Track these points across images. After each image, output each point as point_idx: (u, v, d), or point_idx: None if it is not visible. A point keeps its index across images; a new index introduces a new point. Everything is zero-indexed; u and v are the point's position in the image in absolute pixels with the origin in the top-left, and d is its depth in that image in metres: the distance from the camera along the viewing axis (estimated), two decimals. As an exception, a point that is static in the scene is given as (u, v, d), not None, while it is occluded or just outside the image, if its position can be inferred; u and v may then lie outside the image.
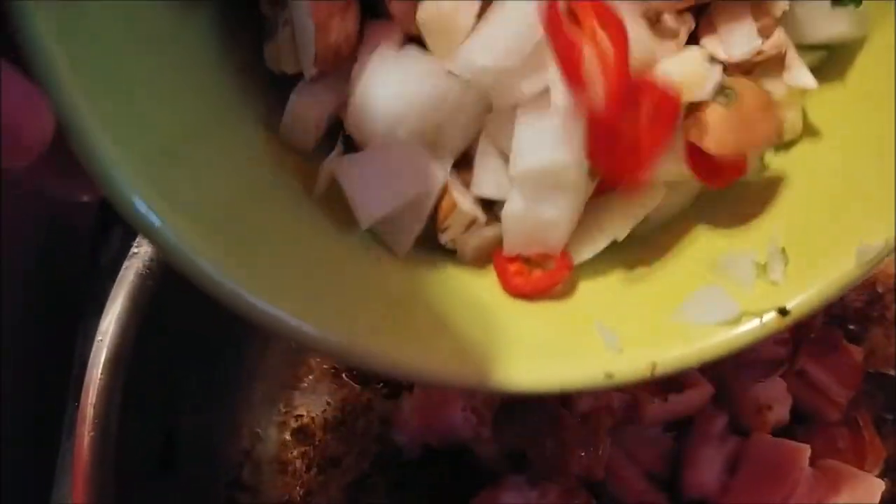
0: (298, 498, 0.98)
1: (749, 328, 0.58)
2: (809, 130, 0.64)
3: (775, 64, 0.61)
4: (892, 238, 0.56)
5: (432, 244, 0.66)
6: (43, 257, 1.22)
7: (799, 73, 0.62)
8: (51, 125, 0.40)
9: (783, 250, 0.60)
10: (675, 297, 0.61)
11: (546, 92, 0.58)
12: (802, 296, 0.58)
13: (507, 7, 0.58)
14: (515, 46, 0.57)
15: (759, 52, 0.60)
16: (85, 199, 0.52)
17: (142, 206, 0.50)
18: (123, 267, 0.91)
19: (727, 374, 0.93)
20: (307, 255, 0.61)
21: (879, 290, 1.07)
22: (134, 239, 0.91)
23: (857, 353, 0.98)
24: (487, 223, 0.65)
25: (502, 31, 0.58)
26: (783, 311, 0.58)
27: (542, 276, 0.63)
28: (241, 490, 0.98)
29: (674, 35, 0.60)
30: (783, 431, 0.93)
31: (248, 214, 0.58)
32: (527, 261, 0.64)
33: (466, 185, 0.65)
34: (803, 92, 0.63)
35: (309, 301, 0.56)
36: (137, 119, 0.52)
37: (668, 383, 0.89)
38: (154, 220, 0.50)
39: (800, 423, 0.95)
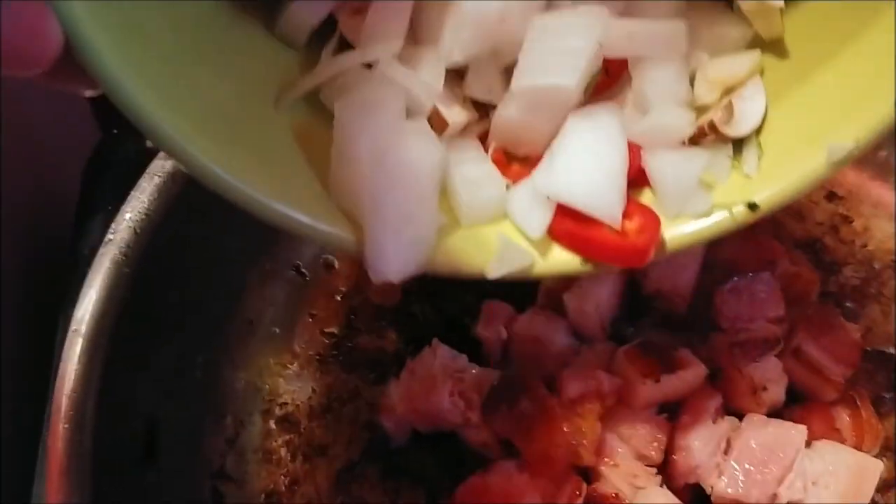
0: (284, 487, 0.96)
1: (718, 220, 0.62)
2: (791, 34, 0.64)
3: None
4: (863, 140, 0.57)
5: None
6: (24, 247, 1.20)
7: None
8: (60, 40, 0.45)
9: (759, 144, 0.62)
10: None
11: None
12: (772, 190, 0.61)
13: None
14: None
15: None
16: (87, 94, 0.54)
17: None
18: (98, 254, 0.89)
19: (721, 354, 0.91)
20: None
21: (876, 266, 1.05)
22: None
23: (854, 330, 0.96)
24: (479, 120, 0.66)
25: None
26: (752, 206, 0.61)
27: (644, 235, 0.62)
28: (225, 480, 0.96)
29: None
30: (779, 412, 0.91)
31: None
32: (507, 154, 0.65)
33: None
34: None
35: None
36: None
37: (661, 365, 0.86)
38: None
39: (796, 404, 0.92)
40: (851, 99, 0.59)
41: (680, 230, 0.63)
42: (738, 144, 0.64)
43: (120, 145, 1.26)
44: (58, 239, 1.23)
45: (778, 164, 0.61)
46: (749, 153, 0.62)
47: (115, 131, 1.28)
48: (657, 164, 0.63)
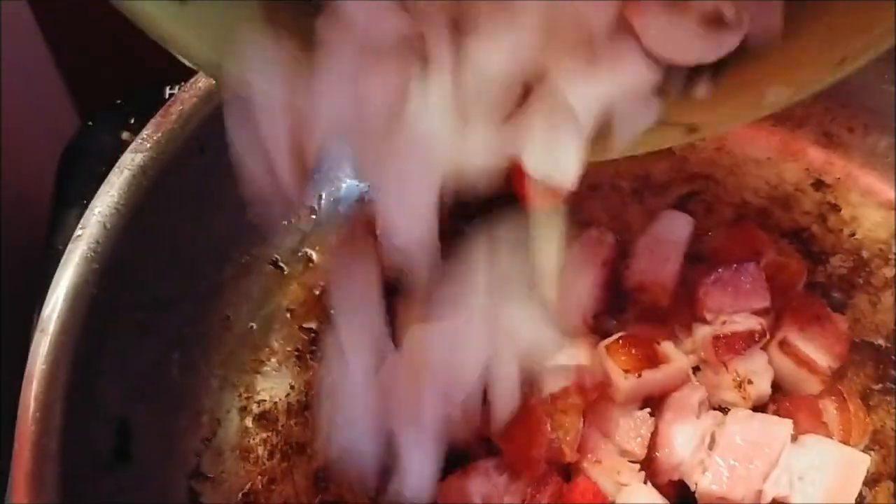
0: (262, 486, 0.94)
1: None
2: None
3: None
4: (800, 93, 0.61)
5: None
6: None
7: None
8: None
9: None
10: None
11: None
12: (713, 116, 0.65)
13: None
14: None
15: None
16: None
17: None
18: (67, 251, 0.86)
19: (705, 347, 0.89)
20: None
21: (865, 255, 1.04)
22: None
23: (841, 321, 0.94)
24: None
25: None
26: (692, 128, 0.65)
27: None
28: (201, 480, 0.94)
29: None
30: (765, 406, 0.90)
31: None
32: None
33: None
34: None
35: None
36: None
37: (643, 359, 0.85)
38: None
39: (782, 396, 0.91)
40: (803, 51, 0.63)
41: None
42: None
43: (95, 137, 1.24)
44: (33, 234, 1.21)
45: (725, 97, 0.65)
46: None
47: (90, 123, 1.26)
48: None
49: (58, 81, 1.34)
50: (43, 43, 1.31)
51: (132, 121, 1.22)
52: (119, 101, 1.26)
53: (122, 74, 1.25)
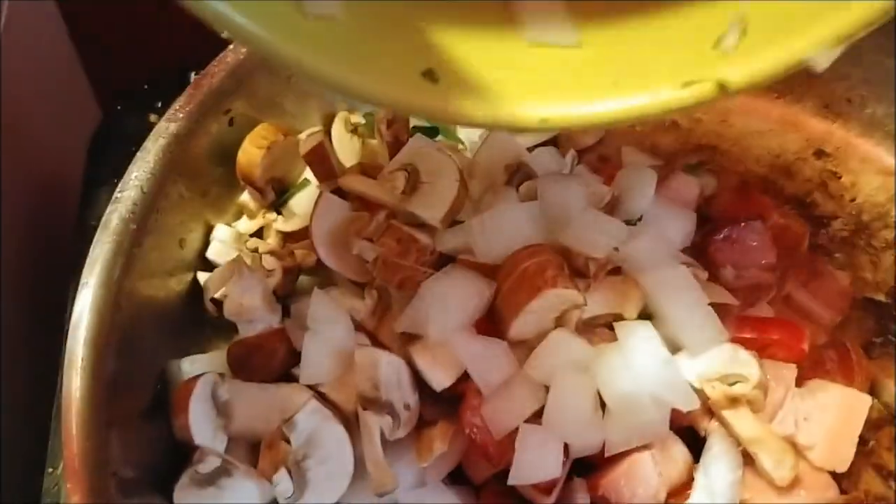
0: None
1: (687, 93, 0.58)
2: None
3: None
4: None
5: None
6: (32, 220, 1.23)
7: None
8: None
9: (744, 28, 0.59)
10: None
11: None
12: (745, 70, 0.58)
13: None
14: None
15: None
16: None
17: None
18: (107, 212, 0.91)
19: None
20: None
21: (865, 218, 1.08)
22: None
23: (843, 278, 0.99)
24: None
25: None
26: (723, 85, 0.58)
27: None
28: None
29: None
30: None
31: None
32: None
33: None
34: None
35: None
36: None
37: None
38: None
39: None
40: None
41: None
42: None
43: (123, 121, 1.29)
44: (62, 216, 1.25)
45: (758, 49, 0.59)
46: (732, 33, 0.59)
47: (119, 107, 1.30)
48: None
49: (80, 71, 1.38)
50: (65, 33, 1.35)
51: (159, 104, 1.27)
52: (146, 87, 1.30)
53: (144, 62, 1.29)
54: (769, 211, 1.02)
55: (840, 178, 1.11)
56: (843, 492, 0.86)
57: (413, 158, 0.94)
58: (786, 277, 0.97)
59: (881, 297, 1.01)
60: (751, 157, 1.13)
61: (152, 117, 1.26)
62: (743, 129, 1.16)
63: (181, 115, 0.97)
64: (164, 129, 0.96)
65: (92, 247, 0.89)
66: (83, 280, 0.86)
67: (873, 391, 0.93)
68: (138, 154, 0.94)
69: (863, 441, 0.88)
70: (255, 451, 0.92)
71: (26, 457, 1.01)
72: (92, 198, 1.22)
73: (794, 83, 1.15)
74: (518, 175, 0.95)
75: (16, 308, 1.14)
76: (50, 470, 0.98)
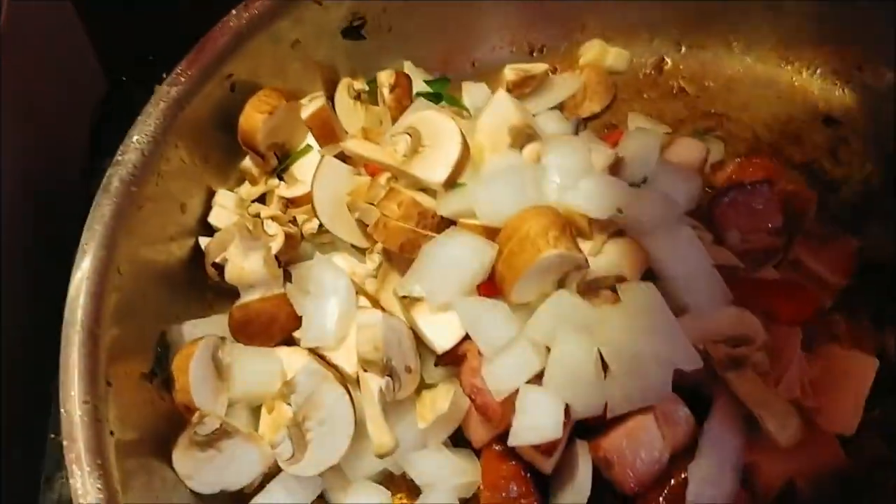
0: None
1: None
2: None
3: None
4: None
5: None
6: (37, 191, 1.23)
7: None
8: None
9: None
10: None
11: None
12: None
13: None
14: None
15: None
16: None
17: None
18: (107, 175, 0.91)
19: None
20: None
21: (874, 184, 1.06)
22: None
23: (851, 242, 0.97)
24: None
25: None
26: None
27: None
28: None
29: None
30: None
31: None
32: None
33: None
34: None
35: None
36: None
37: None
38: None
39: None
40: None
41: None
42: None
43: (129, 92, 1.28)
44: (67, 186, 1.25)
45: None
46: None
47: (124, 78, 1.30)
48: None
49: (86, 42, 1.37)
50: (71, 3, 1.35)
51: (164, 75, 1.26)
52: (151, 58, 1.30)
53: (150, 33, 1.28)
54: (777, 176, 1.01)
55: (849, 144, 1.09)
56: (848, 455, 0.84)
57: (415, 122, 0.94)
58: (793, 242, 0.95)
59: (889, 263, 0.99)
60: (759, 124, 1.12)
61: (156, 88, 1.26)
62: (751, 95, 1.14)
63: (182, 80, 0.96)
64: (165, 93, 0.95)
65: (92, 209, 0.88)
66: (83, 242, 0.86)
67: (881, 357, 0.92)
68: (139, 118, 0.94)
69: (869, 407, 0.87)
70: (255, 417, 0.92)
71: (30, 424, 1.01)
72: (97, 168, 1.22)
73: (804, 50, 1.13)
74: (522, 138, 0.94)
75: (19, 278, 1.14)
76: (52, 436, 0.98)
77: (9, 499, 0.99)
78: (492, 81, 1.11)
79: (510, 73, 1.10)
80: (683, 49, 1.18)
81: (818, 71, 1.14)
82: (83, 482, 0.75)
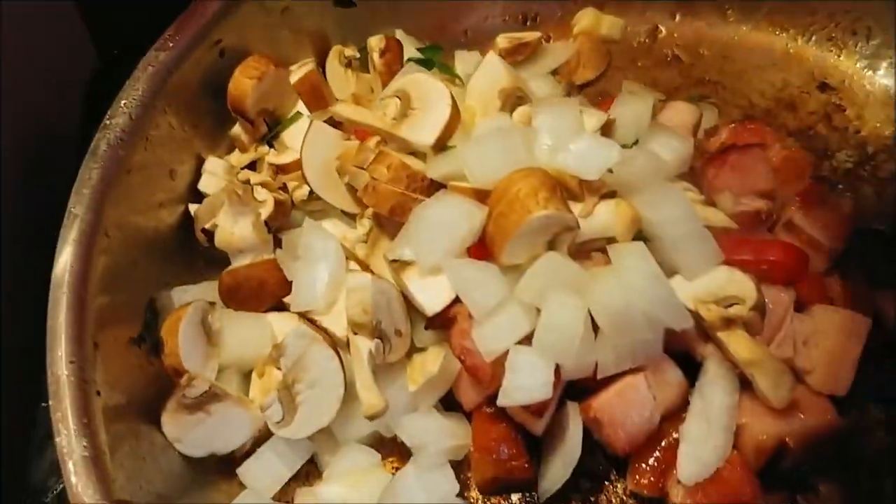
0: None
1: None
2: None
3: None
4: None
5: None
6: (29, 165, 1.22)
7: None
8: None
9: None
10: None
11: None
12: None
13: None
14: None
15: None
16: None
17: None
18: (95, 139, 0.90)
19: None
20: None
21: (870, 150, 1.05)
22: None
23: (844, 205, 0.96)
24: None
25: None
26: None
27: None
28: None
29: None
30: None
31: None
32: None
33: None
34: None
35: None
36: None
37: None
38: None
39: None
40: None
41: None
42: None
43: (120, 67, 1.28)
44: (59, 160, 1.25)
45: None
46: None
47: (116, 52, 1.29)
48: None
49: (77, 16, 1.37)
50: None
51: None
52: (143, 32, 1.29)
53: (141, 7, 1.28)
54: (772, 142, 1.00)
55: (845, 110, 1.09)
56: (842, 416, 0.84)
57: (405, 85, 0.93)
58: (787, 205, 0.95)
59: (884, 227, 0.99)
60: (754, 91, 1.11)
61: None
62: (746, 63, 1.14)
63: (171, 45, 0.96)
64: (153, 58, 0.95)
65: (80, 173, 0.88)
66: (70, 206, 0.86)
67: (876, 320, 0.91)
68: (127, 82, 0.94)
69: (863, 369, 0.86)
70: (246, 383, 0.91)
71: (23, 392, 1.01)
72: (89, 142, 1.22)
73: (798, 16, 1.13)
74: (512, 100, 0.93)
75: (12, 252, 1.14)
76: (44, 404, 0.98)
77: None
78: (484, 50, 1.10)
79: (503, 40, 1.09)
80: (678, 17, 1.17)
81: (813, 38, 1.13)
82: (69, 441, 0.75)
